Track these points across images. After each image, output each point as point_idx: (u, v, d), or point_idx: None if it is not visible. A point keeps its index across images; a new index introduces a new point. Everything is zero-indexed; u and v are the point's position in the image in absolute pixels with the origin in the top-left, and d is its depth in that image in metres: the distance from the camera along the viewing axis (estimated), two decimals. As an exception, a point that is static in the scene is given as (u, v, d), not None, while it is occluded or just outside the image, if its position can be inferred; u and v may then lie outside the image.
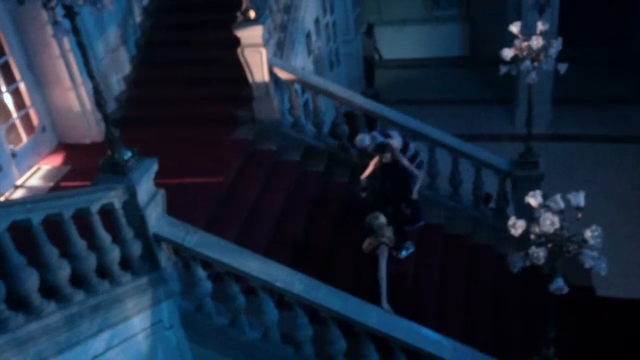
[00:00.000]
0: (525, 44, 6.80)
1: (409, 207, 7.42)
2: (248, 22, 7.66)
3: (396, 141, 7.25)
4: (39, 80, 8.02)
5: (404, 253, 7.44)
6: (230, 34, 7.76)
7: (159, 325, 5.58)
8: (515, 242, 5.45)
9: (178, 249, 5.49)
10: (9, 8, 7.41)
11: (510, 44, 6.95)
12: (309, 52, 10.06)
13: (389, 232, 6.38)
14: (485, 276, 8.05)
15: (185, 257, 5.53)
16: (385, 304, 6.31)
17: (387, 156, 7.13)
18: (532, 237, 4.54)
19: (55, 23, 4.67)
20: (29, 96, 7.98)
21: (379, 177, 7.30)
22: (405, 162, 7.24)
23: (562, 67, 6.85)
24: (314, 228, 7.59)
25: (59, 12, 4.56)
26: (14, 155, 7.65)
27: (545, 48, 6.77)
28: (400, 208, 7.33)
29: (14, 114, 7.82)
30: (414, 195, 7.29)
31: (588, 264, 4.46)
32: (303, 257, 6.94)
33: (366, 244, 6.46)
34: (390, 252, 6.51)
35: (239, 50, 7.83)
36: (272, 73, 8.02)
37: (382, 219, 6.31)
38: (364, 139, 7.21)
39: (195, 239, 5.41)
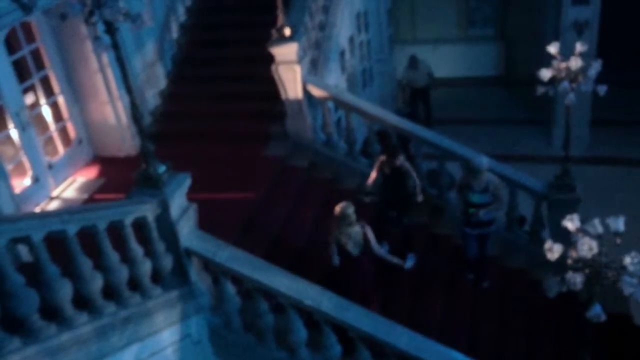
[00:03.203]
0: (563, 64, 6.69)
1: (408, 215, 7.45)
2: (283, 39, 7.73)
3: None
4: (77, 94, 8.21)
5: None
6: (264, 51, 7.84)
7: (187, 340, 5.58)
8: (550, 266, 5.33)
9: (208, 264, 5.50)
10: (51, 23, 7.61)
11: (546, 65, 6.85)
12: (343, 70, 10.08)
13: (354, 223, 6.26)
14: (518, 300, 7.87)
15: (215, 272, 5.53)
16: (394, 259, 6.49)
17: (401, 159, 7.14)
18: (569, 262, 4.43)
19: (95, 38, 4.77)
20: (67, 109, 8.17)
21: (385, 182, 7.27)
22: (407, 165, 7.25)
23: (602, 89, 6.71)
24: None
25: (100, 27, 4.65)
26: (50, 166, 7.81)
27: (584, 69, 6.65)
28: (402, 216, 7.41)
29: (52, 127, 8.00)
30: (420, 198, 7.24)
31: (627, 291, 4.32)
32: (334, 272, 6.90)
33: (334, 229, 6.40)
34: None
35: (273, 67, 7.90)
36: (305, 90, 8.06)
37: (352, 209, 6.20)
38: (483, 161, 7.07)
39: (226, 254, 5.42)
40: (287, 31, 7.71)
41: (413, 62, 12.94)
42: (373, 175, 7.31)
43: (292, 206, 7.64)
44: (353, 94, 9.55)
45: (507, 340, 7.26)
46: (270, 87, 8.14)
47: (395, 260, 6.60)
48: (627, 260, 4.31)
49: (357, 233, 6.18)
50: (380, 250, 6.47)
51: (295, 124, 8.28)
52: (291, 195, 7.79)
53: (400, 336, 5.29)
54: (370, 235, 6.25)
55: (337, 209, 6.13)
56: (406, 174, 7.20)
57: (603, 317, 4.53)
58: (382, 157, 7.25)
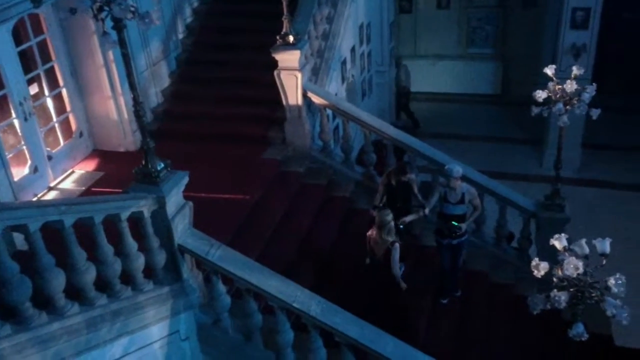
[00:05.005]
0: (558, 87, 6.84)
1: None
2: (286, 46, 7.84)
3: None
4: (81, 88, 8.29)
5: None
6: (267, 57, 7.94)
7: (175, 336, 5.63)
8: (535, 283, 5.44)
9: (201, 262, 5.57)
10: (60, 17, 7.70)
11: (542, 86, 7.00)
12: (343, 79, 10.20)
13: (392, 233, 6.54)
14: (503, 315, 7.97)
15: (207, 270, 5.60)
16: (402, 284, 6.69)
17: (412, 176, 7.34)
18: (555, 280, 4.53)
19: (103, 34, 4.80)
20: (69, 102, 8.23)
21: (391, 194, 7.41)
22: (414, 177, 7.45)
23: (595, 113, 6.88)
24: (337, 250, 7.64)
25: (108, 23, 4.72)
26: (50, 157, 7.87)
27: (578, 93, 6.80)
28: (410, 227, 7.67)
29: (54, 118, 8.06)
30: (426, 212, 7.35)
31: (610, 312, 4.42)
32: (326, 278, 6.99)
33: (374, 234, 6.63)
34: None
35: (275, 73, 8.00)
36: (305, 97, 8.17)
37: (391, 216, 6.52)
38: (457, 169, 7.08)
39: (219, 254, 5.48)
40: (291, 38, 7.83)
41: (396, 61, 13.60)
42: (381, 189, 7.44)
43: (287, 210, 7.72)
44: (352, 103, 9.66)
45: (492, 352, 7.35)
46: (271, 93, 8.23)
47: (402, 284, 6.71)
48: (611, 281, 4.40)
49: (385, 243, 6.47)
50: (397, 271, 6.58)
51: (294, 130, 8.37)
52: (286, 199, 7.88)
53: (386, 344, 5.36)
54: (394, 256, 6.45)
55: (376, 215, 6.53)
56: (412, 187, 7.36)
57: (585, 336, 4.62)
58: (390, 170, 7.39)
